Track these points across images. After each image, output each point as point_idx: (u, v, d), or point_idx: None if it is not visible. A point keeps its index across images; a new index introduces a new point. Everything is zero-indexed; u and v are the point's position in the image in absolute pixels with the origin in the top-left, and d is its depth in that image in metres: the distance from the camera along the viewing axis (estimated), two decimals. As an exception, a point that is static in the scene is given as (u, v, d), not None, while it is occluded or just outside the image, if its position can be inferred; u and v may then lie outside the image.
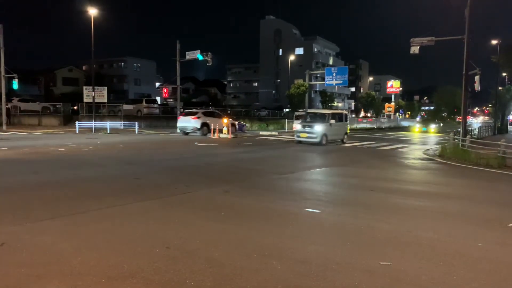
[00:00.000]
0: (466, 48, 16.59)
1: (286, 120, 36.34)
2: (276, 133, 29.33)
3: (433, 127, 37.71)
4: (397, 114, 72.94)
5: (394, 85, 74.19)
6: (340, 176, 10.45)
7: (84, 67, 65.59)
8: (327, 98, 56.66)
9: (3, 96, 29.24)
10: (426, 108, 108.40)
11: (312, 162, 13.30)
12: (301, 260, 4.10)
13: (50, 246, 4.35)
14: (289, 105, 51.40)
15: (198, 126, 23.91)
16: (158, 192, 7.39)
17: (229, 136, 24.40)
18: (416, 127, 40.12)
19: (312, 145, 19.07)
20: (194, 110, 27.31)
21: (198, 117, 24.20)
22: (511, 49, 35.32)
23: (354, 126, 44.31)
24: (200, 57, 28.41)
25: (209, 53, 28.27)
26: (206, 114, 25.30)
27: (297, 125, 20.21)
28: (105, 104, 32.98)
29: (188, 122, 24.11)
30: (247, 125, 31.11)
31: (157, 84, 74.08)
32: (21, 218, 5.42)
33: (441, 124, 43.00)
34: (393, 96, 74.74)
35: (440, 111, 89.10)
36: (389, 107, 66.31)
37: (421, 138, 29.23)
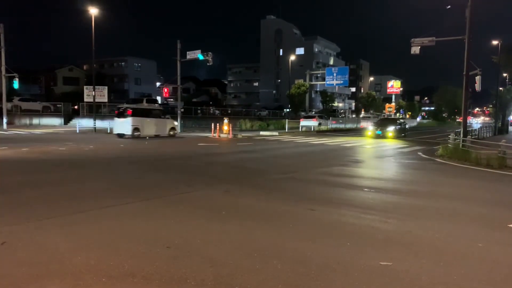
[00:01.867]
0: (467, 48, 16.58)
1: (287, 120, 36.35)
2: (277, 133, 29.32)
3: (390, 130, 25.97)
4: (397, 114, 72.88)
5: (394, 85, 74.21)
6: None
7: (84, 67, 65.63)
8: (327, 98, 56.70)
9: (4, 96, 29.29)
10: (427, 108, 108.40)
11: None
12: (302, 260, 4.10)
13: (50, 245, 4.35)
14: (289, 105, 51.40)
15: (317, 124, 35.62)
16: (159, 192, 7.40)
17: (230, 135, 24.44)
18: (369, 130, 27.48)
19: None
20: (312, 114, 42.40)
21: (317, 119, 37.74)
22: (512, 50, 35.28)
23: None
24: (201, 57, 28.42)
25: (210, 53, 28.29)
26: (319, 116, 38.62)
27: None
28: (105, 104, 33.04)
29: (310, 122, 35.78)
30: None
31: (158, 83, 74.18)
32: (22, 217, 5.43)
33: (406, 126, 30.50)
34: (393, 96, 74.74)
35: (440, 111, 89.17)
36: (390, 107, 66.28)
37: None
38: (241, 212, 6.09)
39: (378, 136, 26.04)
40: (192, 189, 7.82)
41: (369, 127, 28.72)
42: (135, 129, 21.32)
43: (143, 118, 21.83)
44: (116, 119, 22.13)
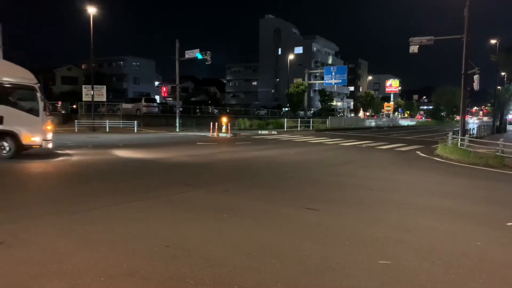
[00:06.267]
0: (465, 47, 16.60)
1: (286, 119, 36.35)
2: (275, 132, 29.32)
3: None
4: (396, 113, 72.94)
5: (393, 85, 74.10)
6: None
7: (83, 66, 65.44)
8: (326, 97, 56.63)
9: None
10: (425, 107, 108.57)
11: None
12: (301, 259, 4.10)
13: (49, 245, 4.35)
14: (288, 104, 51.35)
15: None
16: (158, 191, 7.39)
17: (228, 135, 24.44)
18: None
19: None
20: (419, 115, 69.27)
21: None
22: (510, 49, 35.39)
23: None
24: (199, 56, 28.36)
25: (208, 52, 28.22)
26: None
27: None
28: (104, 103, 32.97)
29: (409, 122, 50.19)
30: None
31: (156, 83, 73.97)
32: (20, 216, 5.42)
33: None
34: (392, 96, 74.67)
35: (439, 110, 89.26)
36: (388, 106, 66.25)
37: None
38: (239, 212, 6.09)
39: None
40: (191, 188, 7.82)
41: None
42: None
43: None
44: None
